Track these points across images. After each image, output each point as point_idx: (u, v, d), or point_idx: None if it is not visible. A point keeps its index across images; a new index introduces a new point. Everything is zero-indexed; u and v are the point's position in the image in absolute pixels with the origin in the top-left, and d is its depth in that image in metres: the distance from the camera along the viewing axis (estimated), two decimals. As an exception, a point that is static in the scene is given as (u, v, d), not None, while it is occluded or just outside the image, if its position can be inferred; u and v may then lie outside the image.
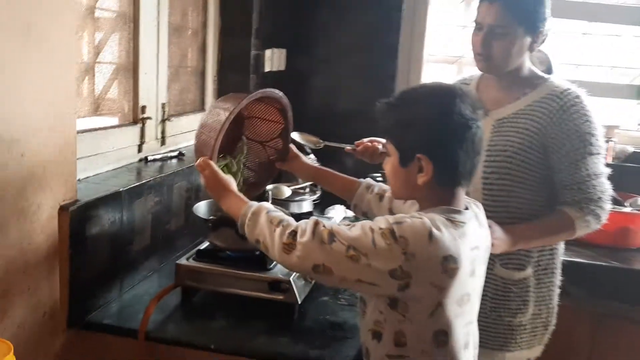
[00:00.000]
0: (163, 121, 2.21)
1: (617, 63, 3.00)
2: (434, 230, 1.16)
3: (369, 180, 1.69)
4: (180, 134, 2.34)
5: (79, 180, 1.64)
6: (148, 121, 2.10)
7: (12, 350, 1.00)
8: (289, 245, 1.23)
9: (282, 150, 1.75)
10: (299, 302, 1.67)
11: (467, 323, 1.28)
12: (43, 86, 1.41)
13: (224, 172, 1.47)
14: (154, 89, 2.14)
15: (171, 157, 2.17)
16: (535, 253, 1.74)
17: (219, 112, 1.50)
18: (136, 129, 2.07)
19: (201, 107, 2.57)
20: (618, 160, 2.79)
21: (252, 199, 1.38)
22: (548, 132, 1.66)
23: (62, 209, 1.50)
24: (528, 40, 1.66)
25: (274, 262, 1.68)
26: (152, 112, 2.13)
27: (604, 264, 2.33)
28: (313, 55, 3.06)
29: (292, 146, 1.76)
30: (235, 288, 1.70)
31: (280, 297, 1.67)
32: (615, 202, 2.17)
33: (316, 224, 1.23)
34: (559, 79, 1.75)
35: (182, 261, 1.74)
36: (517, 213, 1.69)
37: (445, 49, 3.19)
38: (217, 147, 1.48)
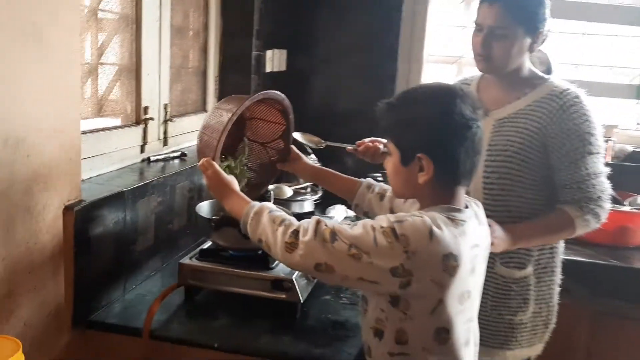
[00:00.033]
0: (165, 122, 2.22)
1: (616, 63, 3.01)
2: (435, 229, 1.17)
3: (369, 180, 1.70)
4: (182, 135, 2.36)
5: (82, 180, 1.65)
6: (150, 122, 2.12)
7: (21, 348, 1.01)
8: (291, 244, 1.24)
9: (284, 151, 1.77)
10: (302, 301, 1.69)
11: (467, 320, 1.29)
12: (48, 88, 1.42)
13: (226, 173, 1.49)
14: (156, 89, 2.16)
15: (173, 158, 2.19)
16: (536, 252, 1.75)
17: (221, 114, 1.52)
18: (139, 129, 2.08)
19: (203, 108, 2.59)
20: (617, 160, 2.80)
21: (254, 199, 1.39)
22: (548, 131, 1.67)
23: (67, 209, 1.52)
24: (528, 40, 1.68)
25: (277, 262, 1.70)
26: (155, 112, 2.15)
27: (603, 262, 2.34)
28: (313, 56, 3.07)
29: (293, 147, 1.78)
30: (238, 287, 1.71)
31: (283, 296, 1.68)
32: (615, 201, 2.18)
33: (318, 223, 1.24)
34: (559, 79, 1.76)
35: (186, 260, 1.75)
36: (518, 212, 1.70)
37: (445, 49, 3.20)
38: (220, 148, 1.50)
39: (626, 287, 2.31)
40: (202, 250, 1.80)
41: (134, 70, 2.05)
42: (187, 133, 2.38)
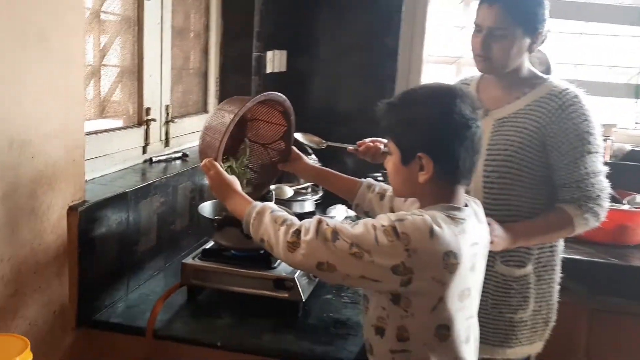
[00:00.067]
0: (167, 123, 2.24)
1: (614, 62, 3.02)
2: (435, 227, 1.19)
3: (369, 180, 1.71)
4: (184, 135, 2.37)
5: (86, 181, 1.66)
6: (152, 123, 2.13)
7: (29, 346, 1.03)
8: (293, 243, 1.25)
9: (285, 152, 1.78)
10: (303, 300, 1.70)
11: (467, 317, 1.30)
12: (52, 90, 1.43)
13: (228, 174, 1.50)
14: (158, 91, 2.17)
15: (175, 158, 2.20)
16: (536, 250, 1.76)
17: (223, 115, 1.53)
18: (141, 130, 2.10)
19: (204, 109, 2.60)
20: (616, 159, 2.81)
21: (255, 200, 1.41)
22: (547, 131, 1.68)
23: (71, 210, 1.53)
24: (527, 41, 1.69)
25: (279, 261, 1.71)
26: (156, 114, 2.16)
27: (602, 260, 2.35)
28: (313, 57, 3.08)
29: (294, 147, 1.79)
30: (240, 286, 1.72)
31: (285, 295, 1.69)
32: (614, 199, 2.19)
33: (319, 222, 1.25)
34: (558, 79, 1.77)
35: (188, 260, 1.76)
36: (517, 211, 1.71)
37: (444, 50, 3.21)
38: (222, 149, 1.51)
39: (625, 285, 2.32)
40: (204, 250, 1.81)
41: (135, 72, 2.06)
42: (188, 134, 2.40)
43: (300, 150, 1.80)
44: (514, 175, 1.71)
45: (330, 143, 1.95)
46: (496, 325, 1.77)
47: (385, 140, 1.71)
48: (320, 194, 2.62)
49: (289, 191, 2.40)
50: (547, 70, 2.23)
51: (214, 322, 1.68)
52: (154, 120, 2.13)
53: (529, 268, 1.76)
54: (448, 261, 1.19)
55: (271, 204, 1.38)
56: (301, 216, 1.33)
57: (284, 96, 1.67)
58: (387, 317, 1.28)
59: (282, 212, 1.34)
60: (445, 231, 1.20)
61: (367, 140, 1.85)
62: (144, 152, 2.12)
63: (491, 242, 1.46)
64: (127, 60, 2.03)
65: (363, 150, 1.84)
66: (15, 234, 1.37)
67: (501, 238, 1.61)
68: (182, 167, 2.13)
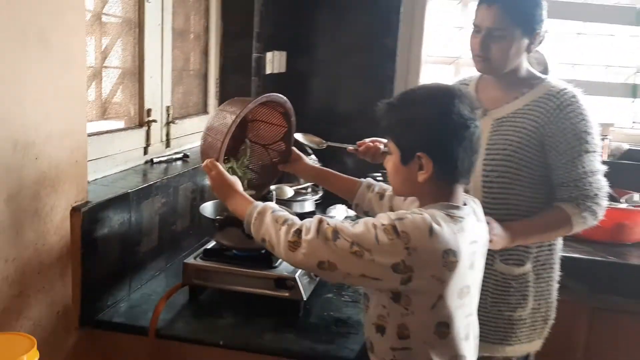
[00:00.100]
0: (167, 124, 2.25)
1: (611, 62, 3.03)
2: (434, 225, 1.20)
3: (369, 180, 1.72)
4: (184, 136, 2.38)
5: (88, 182, 1.67)
6: (153, 124, 2.14)
7: (36, 345, 1.04)
8: (294, 243, 1.26)
9: (285, 153, 1.79)
10: (304, 299, 1.71)
11: (467, 315, 1.31)
12: (55, 92, 1.44)
13: (229, 174, 1.51)
14: (159, 92, 2.18)
15: (176, 159, 2.21)
16: (534, 249, 1.77)
17: (225, 116, 1.54)
18: (142, 131, 2.11)
19: (204, 110, 2.61)
20: (613, 158, 2.82)
21: (256, 200, 1.42)
22: (545, 130, 1.69)
23: (74, 210, 1.54)
24: (525, 42, 1.70)
25: (280, 260, 1.72)
26: (157, 115, 2.17)
27: (601, 259, 2.36)
28: (313, 57, 3.09)
29: (294, 148, 1.80)
30: (242, 286, 1.73)
31: (286, 294, 1.70)
32: (611, 198, 2.20)
33: (320, 221, 1.26)
34: (556, 79, 1.79)
35: (190, 260, 1.77)
36: (516, 210, 1.73)
37: (443, 50, 3.22)
38: (224, 149, 1.52)
39: (623, 283, 2.33)
40: (206, 250, 1.82)
41: (136, 74, 2.07)
42: (188, 135, 2.41)
43: (300, 151, 1.82)
44: (513, 174, 1.72)
45: (330, 143, 1.96)
46: (495, 324, 1.78)
47: (385, 140, 1.72)
48: (320, 194, 2.63)
49: (289, 191, 2.41)
50: (545, 70, 2.24)
51: (215, 321, 1.69)
52: (154, 121, 2.14)
53: (528, 266, 1.77)
54: (447, 259, 1.20)
55: (272, 204, 1.39)
56: (301, 216, 1.34)
57: (285, 98, 1.69)
58: (387, 315, 1.29)
59: (283, 212, 1.35)
60: (445, 229, 1.21)
61: (367, 140, 1.86)
62: (145, 153, 2.13)
63: (490, 241, 1.47)
64: (128, 61, 2.04)
65: (363, 150, 1.85)
66: (19, 235, 1.38)
67: (500, 237, 1.62)
68: (182, 168, 2.14)
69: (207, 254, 1.80)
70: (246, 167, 1.77)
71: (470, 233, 1.28)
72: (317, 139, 1.98)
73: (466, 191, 1.39)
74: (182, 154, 2.25)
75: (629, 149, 2.86)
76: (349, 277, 1.25)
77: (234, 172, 1.64)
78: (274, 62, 2.85)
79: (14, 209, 1.35)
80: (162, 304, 1.68)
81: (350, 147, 1.87)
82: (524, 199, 1.73)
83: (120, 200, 1.72)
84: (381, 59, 3.02)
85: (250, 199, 1.42)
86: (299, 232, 1.26)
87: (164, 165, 2.14)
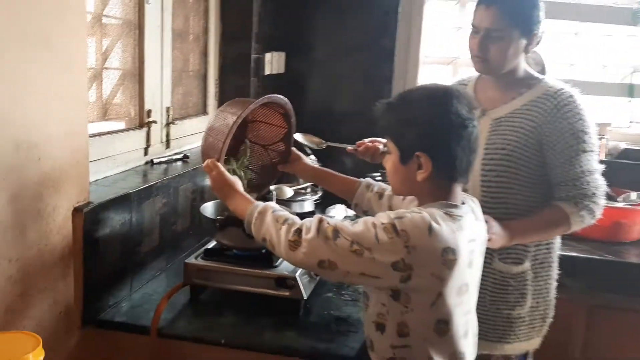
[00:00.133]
0: (167, 125, 2.25)
1: (608, 62, 3.05)
2: (433, 224, 1.21)
3: (368, 179, 1.73)
4: (184, 137, 2.39)
5: (89, 183, 1.68)
6: (153, 125, 2.15)
7: (41, 343, 1.05)
8: (295, 242, 1.27)
9: (285, 153, 1.80)
10: (305, 298, 1.71)
11: (466, 312, 1.33)
12: (57, 93, 1.45)
13: (229, 174, 1.52)
14: (159, 93, 2.19)
15: (176, 160, 2.22)
16: (533, 247, 1.79)
17: (226, 116, 1.55)
18: (142, 132, 2.12)
19: (203, 110, 2.62)
20: (611, 157, 2.84)
21: (256, 200, 1.43)
22: (543, 130, 1.70)
23: (76, 211, 1.55)
24: (523, 42, 1.71)
25: (280, 260, 1.73)
26: (157, 116, 2.18)
27: (598, 257, 2.37)
28: (311, 58, 3.10)
29: (294, 148, 1.81)
30: (243, 285, 1.74)
31: (286, 293, 1.71)
32: (609, 197, 2.21)
33: (320, 221, 1.27)
34: (553, 79, 1.80)
35: (191, 260, 1.78)
36: (515, 209, 1.74)
37: (440, 51, 3.23)
38: (225, 150, 1.53)
39: (621, 281, 2.35)
40: (206, 249, 1.83)
41: (137, 75, 2.08)
42: (188, 135, 2.42)
43: (299, 151, 1.82)
44: (511, 173, 1.73)
45: (329, 143, 1.97)
46: (494, 322, 1.80)
47: (384, 140, 1.73)
48: (320, 194, 2.64)
49: (288, 191, 2.42)
50: (542, 71, 2.26)
51: (216, 320, 1.70)
52: (155, 122, 2.15)
53: (526, 265, 1.79)
54: (446, 257, 1.21)
55: (273, 204, 1.40)
56: (301, 216, 1.35)
57: (285, 98, 1.69)
58: (387, 313, 1.30)
59: (283, 212, 1.36)
60: (444, 228, 1.22)
61: (366, 140, 1.87)
62: (146, 153, 2.14)
63: (489, 240, 1.48)
64: (129, 63, 2.05)
65: (362, 150, 1.86)
66: (22, 236, 1.38)
67: (499, 235, 1.63)
68: (183, 169, 2.15)
69: (208, 254, 1.81)
70: (246, 168, 1.78)
71: (469, 231, 1.29)
72: (316, 139, 1.99)
73: (465, 190, 1.40)
74: (182, 155, 2.26)
75: (626, 148, 2.88)
76: (349, 276, 1.26)
77: (234, 173, 1.65)
78: (273, 62, 2.87)
79: (16, 210, 1.36)
80: (163, 303, 1.69)
81: (350, 147, 1.88)
82: (522, 198, 1.74)
83: (122, 201, 1.73)
84: (379, 60, 3.02)
85: (251, 198, 1.43)
86: (299, 231, 1.27)
87: (164, 166, 2.15)
